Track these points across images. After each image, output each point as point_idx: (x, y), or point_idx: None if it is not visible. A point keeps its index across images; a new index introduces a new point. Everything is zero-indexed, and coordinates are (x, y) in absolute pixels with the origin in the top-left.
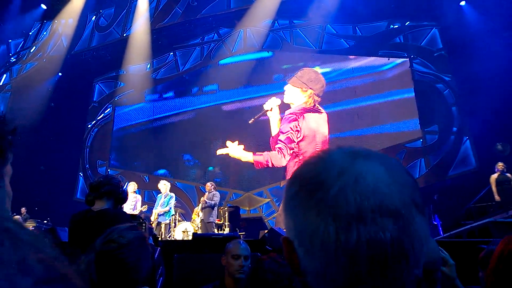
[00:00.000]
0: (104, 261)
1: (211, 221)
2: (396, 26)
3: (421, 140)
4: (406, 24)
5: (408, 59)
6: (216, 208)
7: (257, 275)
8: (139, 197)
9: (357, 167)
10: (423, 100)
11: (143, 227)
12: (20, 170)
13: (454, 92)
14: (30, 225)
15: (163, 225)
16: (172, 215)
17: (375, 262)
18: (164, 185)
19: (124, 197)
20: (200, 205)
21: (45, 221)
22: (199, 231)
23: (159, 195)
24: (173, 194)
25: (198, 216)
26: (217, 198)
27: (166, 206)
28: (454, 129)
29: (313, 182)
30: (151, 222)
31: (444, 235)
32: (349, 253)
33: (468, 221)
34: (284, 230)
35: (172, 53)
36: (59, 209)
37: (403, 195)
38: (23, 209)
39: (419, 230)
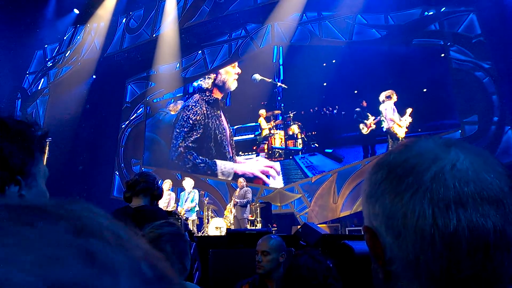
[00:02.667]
0: None
1: (244, 217)
2: (431, 13)
3: (460, 131)
4: (442, 10)
5: (444, 46)
6: (248, 204)
7: (292, 271)
8: (173, 194)
9: (452, 154)
10: (462, 89)
11: (179, 223)
12: (61, 171)
13: (494, 80)
14: None
15: (190, 222)
16: (197, 211)
17: (476, 250)
18: (188, 182)
19: (159, 194)
20: (232, 202)
21: None
22: (232, 227)
23: (182, 192)
24: (196, 191)
25: (231, 212)
26: (250, 195)
27: (192, 202)
28: (495, 118)
29: (405, 167)
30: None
31: None
32: (448, 238)
33: None
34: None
35: (200, 52)
36: (97, 207)
37: (503, 183)
38: None
39: None
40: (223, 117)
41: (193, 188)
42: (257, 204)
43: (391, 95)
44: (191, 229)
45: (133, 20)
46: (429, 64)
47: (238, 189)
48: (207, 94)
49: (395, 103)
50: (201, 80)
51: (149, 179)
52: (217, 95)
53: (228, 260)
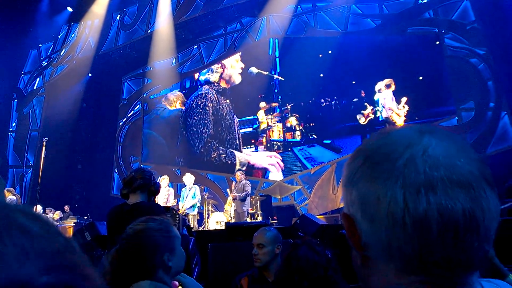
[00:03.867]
0: (118, 251)
1: (244, 210)
2: (425, 1)
3: (456, 118)
4: None
5: (439, 34)
6: (248, 197)
7: (291, 261)
8: (171, 190)
9: (425, 141)
10: (457, 76)
11: (177, 218)
12: (60, 170)
13: (489, 66)
14: (72, 221)
15: (191, 217)
16: (198, 206)
17: (446, 232)
18: (189, 178)
19: (157, 189)
20: (230, 196)
21: (85, 217)
22: (232, 221)
23: (183, 188)
24: (196, 186)
25: (231, 206)
26: (248, 188)
27: (195, 198)
28: (491, 104)
29: (379, 153)
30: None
31: None
32: (418, 221)
33: (508, 198)
34: (343, 205)
35: (196, 46)
36: (97, 205)
37: (473, 168)
38: (66, 207)
39: (491, 205)
40: (231, 107)
41: (194, 183)
42: (257, 197)
43: (391, 84)
44: (192, 224)
45: (127, 17)
46: (424, 52)
47: (235, 183)
48: (215, 85)
49: (392, 92)
50: (208, 74)
51: (146, 175)
52: (224, 85)
53: (228, 253)
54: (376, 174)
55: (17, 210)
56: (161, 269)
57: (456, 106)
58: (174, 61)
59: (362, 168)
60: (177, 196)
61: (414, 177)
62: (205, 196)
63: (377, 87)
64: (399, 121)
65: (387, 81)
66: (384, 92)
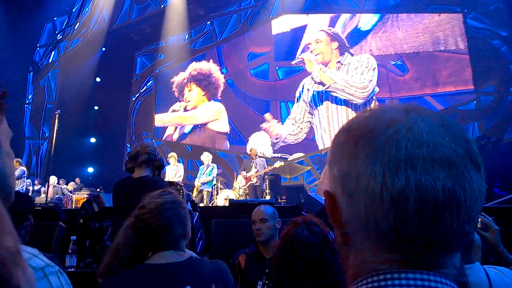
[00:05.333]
0: (139, 225)
1: (264, 188)
2: None
3: (475, 102)
4: None
5: (461, 14)
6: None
7: (287, 240)
8: (180, 165)
9: (410, 119)
10: (478, 59)
11: (181, 193)
12: (73, 143)
13: None
14: (85, 193)
15: (205, 193)
16: (214, 184)
17: (424, 209)
18: (207, 157)
19: (161, 164)
20: (250, 172)
21: (98, 189)
22: (244, 198)
23: (201, 166)
24: (214, 165)
25: (251, 180)
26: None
27: (209, 176)
28: None
29: (362, 130)
30: (193, 189)
31: (496, 200)
32: (396, 197)
33: None
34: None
35: (209, 22)
36: (110, 178)
37: (458, 147)
38: (77, 179)
39: (474, 185)
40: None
41: (211, 162)
42: (266, 176)
43: None
44: (205, 200)
45: None
46: (444, 32)
47: (250, 159)
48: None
49: (410, 73)
50: None
51: (151, 150)
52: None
53: (230, 229)
54: (358, 151)
55: None
56: (183, 238)
57: (475, 89)
58: (186, 37)
59: (344, 145)
60: (188, 172)
61: (394, 154)
62: (215, 174)
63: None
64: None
65: None
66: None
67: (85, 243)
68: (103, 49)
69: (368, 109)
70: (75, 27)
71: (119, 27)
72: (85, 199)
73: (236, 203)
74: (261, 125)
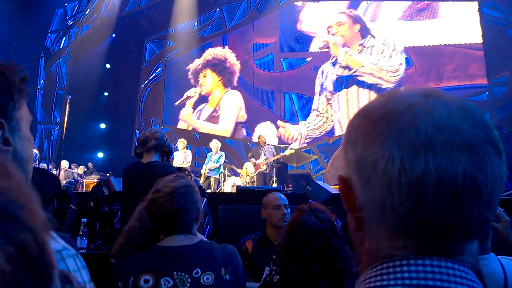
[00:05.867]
0: (153, 209)
1: (273, 176)
2: None
3: (487, 92)
4: None
5: (476, 1)
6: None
7: (293, 228)
8: (189, 152)
9: (430, 102)
10: (492, 49)
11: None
12: (83, 128)
13: None
14: (95, 177)
15: (212, 180)
16: (221, 172)
17: (443, 194)
18: (215, 144)
19: (169, 150)
20: (260, 159)
21: (108, 174)
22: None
23: (209, 153)
24: (222, 153)
25: (261, 167)
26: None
27: (217, 163)
28: None
29: (379, 113)
30: (200, 176)
31: (509, 191)
32: (415, 181)
33: None
34: (340, 172)
35: (218, 9)
36: (119, 163)
37: (479, 131)
38: (89, 164)
39: (495, 170)
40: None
41: (220, 150)
42: (273, 164)
43: None
44: (212, 186)
45: None
46: (459, 21)
47: (259, 147)
48: None
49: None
50: None
51: (159, 136)
52: None
53: (237, 215)
54: (375, 135)
55: None
56: (195, 222)
57: (488, 80)
58: (196, 24)
59: (360, 128)
60: (195, 159)
61: (413, 138)
62: (223, 162)
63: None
64: None
65: None
66: None
67: (95, 226)
68: (113, 35)
69: (386, 93)
70: (86, 13)
71: (129, 13)
72: (95, 183)
73: (243, 189)
74: (277, 134)
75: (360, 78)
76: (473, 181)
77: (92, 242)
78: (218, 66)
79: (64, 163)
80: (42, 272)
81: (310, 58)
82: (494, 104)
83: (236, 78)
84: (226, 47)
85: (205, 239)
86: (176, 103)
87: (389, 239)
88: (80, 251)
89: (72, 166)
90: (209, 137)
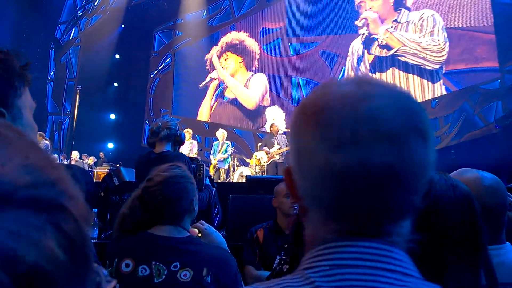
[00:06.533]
0: (145, 197)
1: (286, 164)
2: None
3: (499, 80)
4: None
5: None
6: None
7: (429, 217)
8: (195, 142)
9: (359, 93)
10: (504, 35)
11: (201, 169)
12: (93, 119)
13: None
14: (106, 167)
15: (222, 171)
16: (229, 162)
17: (364, 182)
18: (222, 134)
19: (182, 139)
20: (272, 148)
21: (118, 164)
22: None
23: (215, 142)
24: (229, 142)
25: (262, 160)
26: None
27: (225, 154)
28: None
29: (312, 107)
30: (210, 166)
31: None
32: (338, 172)
33: None
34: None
35: None
36: (129, 154)
37: (404, 120)
38: (101, 154)
39: (417, 155)
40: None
41: (226, 139)
42: (286, 153)
43: None
44: (222, 177)
45: None
46: (469, 5)
47: (272, 136)
48: None
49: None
50: None
51: (172, 125)
52: None
53: (247, 205)
54: (307, 128)
55: None
56: (187, 214)
57: (501, 67)
58: (204, 13)
59: (297, 122)
60: (205, 149)
61: (338, 131)
62: (231, 151)
63: None
64: None
65: None
66: None
67: (106, 215)
68: (122, 25)
69: (322, 85)
70: (95, 4)
71: (138, 3)
72: (105, 174)
73: (253, 179)
74: (284, 118)
75: (402, 59)
76: (391, 169)
77: (103, 232)
78: (238, 47)
79: (75, 154)
80: (86, 263)
81: (318, 43)
82: (507, 93)
83: (256, 61)
84: (242, 31)
85: (195, 236)
86: (200, 85)
87: (323, 224)
88: (91, 240)
89: (83, 157)
90: (218, 126)
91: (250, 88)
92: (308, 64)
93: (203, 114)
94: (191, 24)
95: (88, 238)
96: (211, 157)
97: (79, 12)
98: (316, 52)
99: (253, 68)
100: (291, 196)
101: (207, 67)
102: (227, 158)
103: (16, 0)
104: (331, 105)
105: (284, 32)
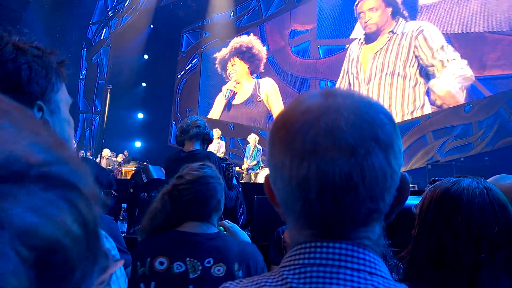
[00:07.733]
0: (175, 194)
1: None
2: None
3: None
4: None
5: None
6: None
7: (469, 221)
8: (222, 142)
9: (323, 106)
10: None
11: (230, 169)
12: (122, 118)
13: None
14: (133, 165)
15: (252, 175)
16: (261, 166)
17: (324, 194)
18: (254, 139)
19: (210, 138)
20: None
21: (145, 163)
22: None
23: (248, 145)
24: (260, 147)
25: None
26: None
27: (254, 160)
28: None
29: (282, 120)
30: (241, 166)
31: None
32: (300, 182)
33: None
34: None
35: None
36: (156, 153)
37: (363, 131)
38: (125, 152)
39: (375, 166)
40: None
41: (258, 143)
42: None
43: None
44: (251, 180)
45: None
46: (488, 7)
47: None
48: None
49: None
50: None
51: (201, 124)
52: None
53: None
54: (276, 141)
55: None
56: (214, 212)
57: None
58: (232, 14)
59: (272, 134)
60: (229, 150)
61: (300, 144)
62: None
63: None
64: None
65: None
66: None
67: (134, 211)
68: (151, 26)
69: (296, 97)
70: (125, 4)
71: (166, 4)
72: (134, 171)
73: None
74: None
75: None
76: (349, 180)
77: (132, 227)
78: (246, 54)
79: (106, 152)
80: (97, 242)
81: (347, 45)
82: None
83: (262, 65)
84: (251, 34)
85: (223, 232)
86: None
87: (297, 229)
88: (121, 234)
89: (111, 154)
90: (243, 128)
91: (261, 93)
92: (338, 67)
93: (227, 115)
94: (218, 24)
95: (98, 219)
96: (244, 159)
97: (110, 12)
98: (344, 56)
99: (259, 71)
100: (272, 203)
101: (216, 66)
102: (257, 164)
103: (50, 0)
104: (296, 119)
105: (314, 34)
